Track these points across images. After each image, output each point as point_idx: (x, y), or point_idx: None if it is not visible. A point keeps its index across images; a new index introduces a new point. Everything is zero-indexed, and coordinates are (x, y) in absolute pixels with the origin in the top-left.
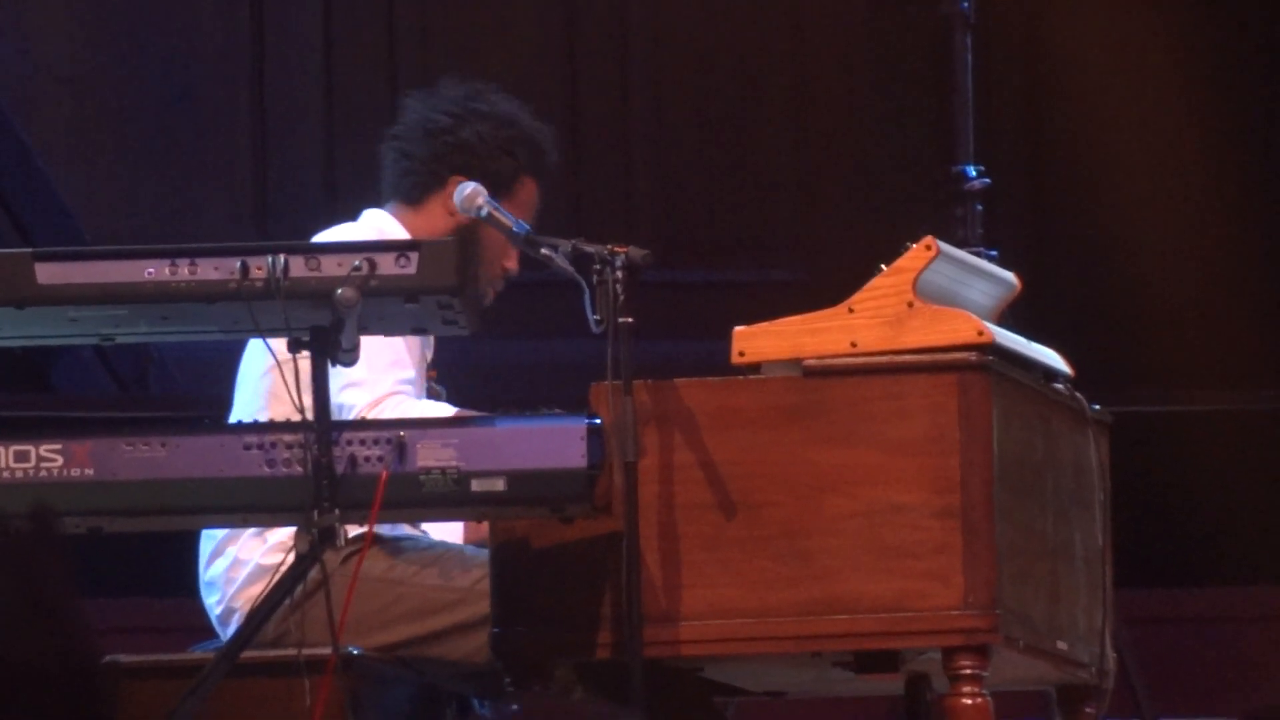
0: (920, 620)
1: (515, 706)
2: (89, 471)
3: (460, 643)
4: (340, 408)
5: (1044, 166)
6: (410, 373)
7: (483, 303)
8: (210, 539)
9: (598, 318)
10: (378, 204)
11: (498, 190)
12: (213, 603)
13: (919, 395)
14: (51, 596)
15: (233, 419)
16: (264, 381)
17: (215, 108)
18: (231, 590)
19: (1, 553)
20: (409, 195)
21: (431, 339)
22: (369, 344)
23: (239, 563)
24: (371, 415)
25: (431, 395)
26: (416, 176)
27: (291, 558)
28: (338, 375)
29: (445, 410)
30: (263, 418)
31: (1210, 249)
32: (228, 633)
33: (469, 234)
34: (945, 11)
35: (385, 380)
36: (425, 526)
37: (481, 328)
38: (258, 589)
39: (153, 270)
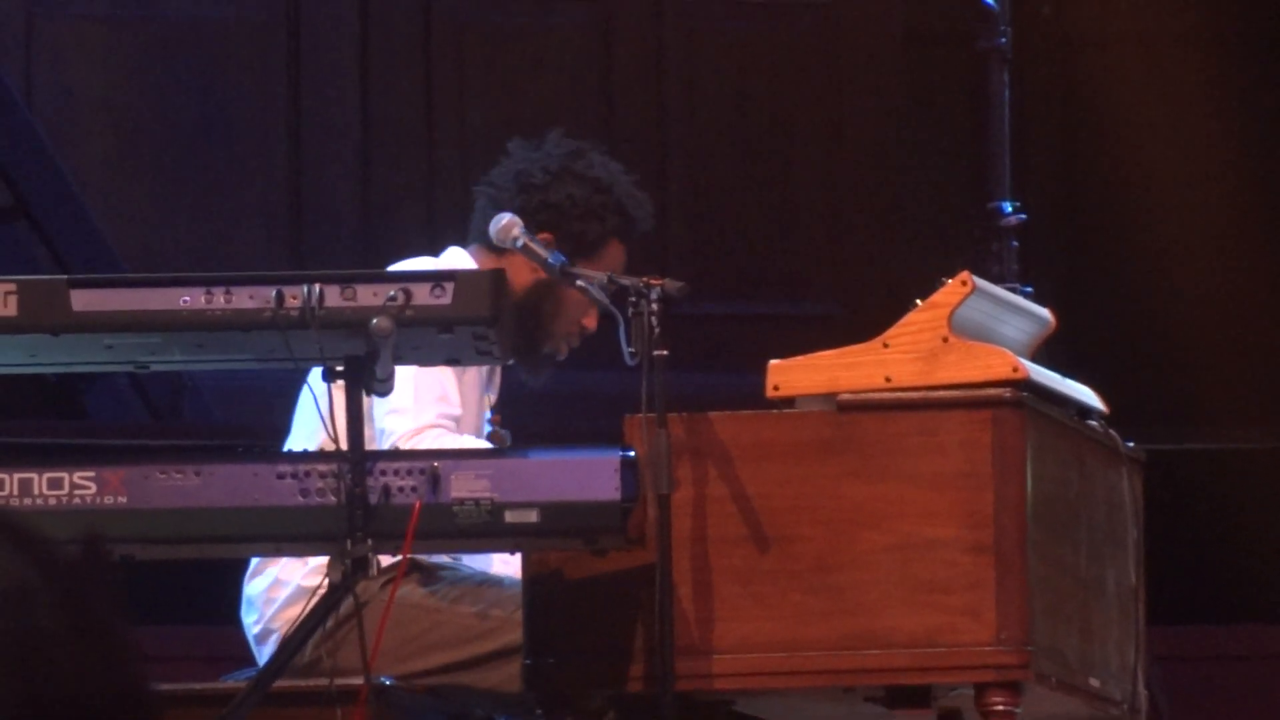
0: (952, 656)
1: None
2: (122, 499)
3: (493, 672)
4: (381, 433)
5: (1080, 203)
6: (455, 410)
7: (556, 358)
8: (252, 558)
9: (632, 350)
10: (461, 243)
11: (581, 252)
12: (250, 622)
13: (953, 431)
14: (103, 625)
15: (288, 445)
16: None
17: (251, 137)
18: (270, 611)
19: (52, 580)
20: (488, 245)
21: (496, 383)
22: (419, 375)
23: (279, 583)
24: (409, 445)
25: (494, 440)
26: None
27: (327, 584)
28: (383, 402)
29: (480, 445)
30: (315, 443)
31: (1246, 286)
32: (264, 652)
33: (548, 289)
34: (982, 47)
35: (429, 412)
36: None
37: (545, 379)
38: (296, 610)
39: (188, 299)
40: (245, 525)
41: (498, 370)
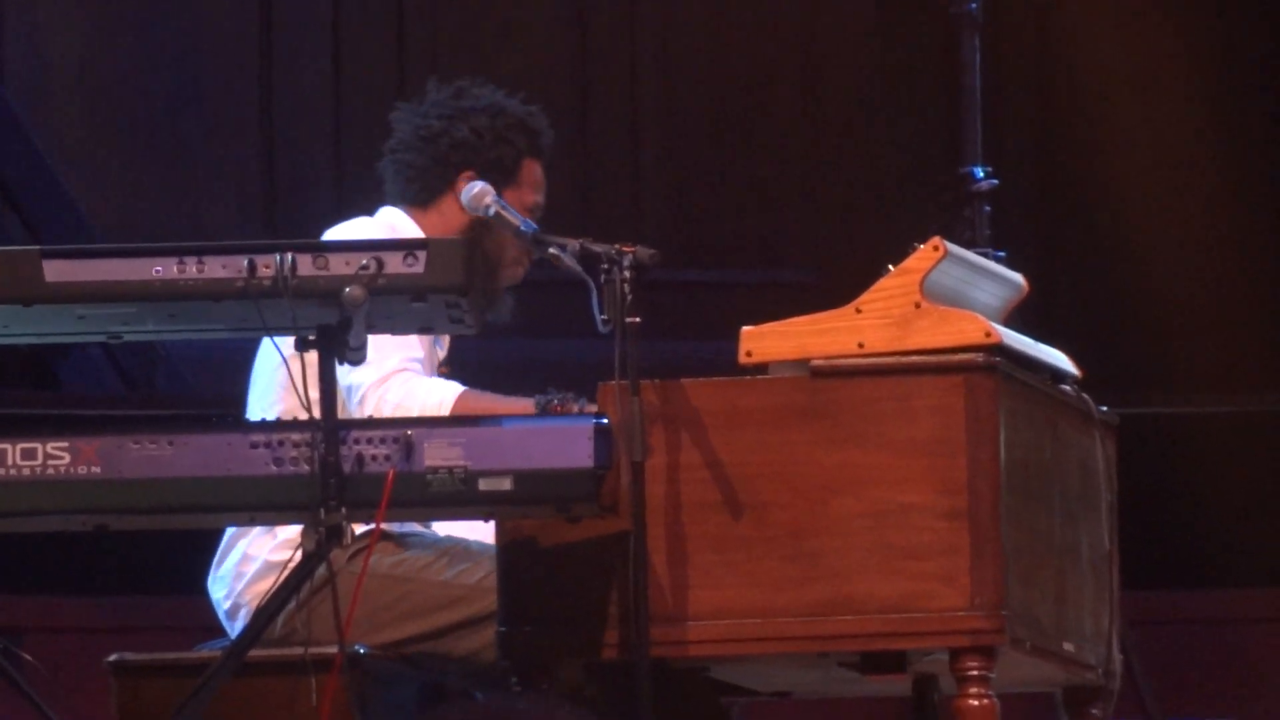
0: (927, 621)
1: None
2: (96, 469)
3: (467, 639)
4: (350, 388)
5: (1052, 168)
6: (418, 352)
7: (500, 300)
8: (223, 534)
9: (605, 317)
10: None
11: (503, 177)
12: (220, 597)
13: (926, 396)
14: None
15: (249, 414)
16: (278, 374)
17: (224, 106)
18: (239, 586)
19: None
20: (417, 199)
21: (445, 340)
22: None
23: (247, 558)
24: (379, 392)
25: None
26: (422, 182)
27: (299, 555)
28: None
29: (453, 388)
30: (276, 411)
31: (1218, 251)
32: (234, 627)
33: (480, 231)
34: (954, 13)
35: (393, 358)
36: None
37: (507, 315)
38: (265, 585)
39: (161, 268)
40: (219, 495)
41: None
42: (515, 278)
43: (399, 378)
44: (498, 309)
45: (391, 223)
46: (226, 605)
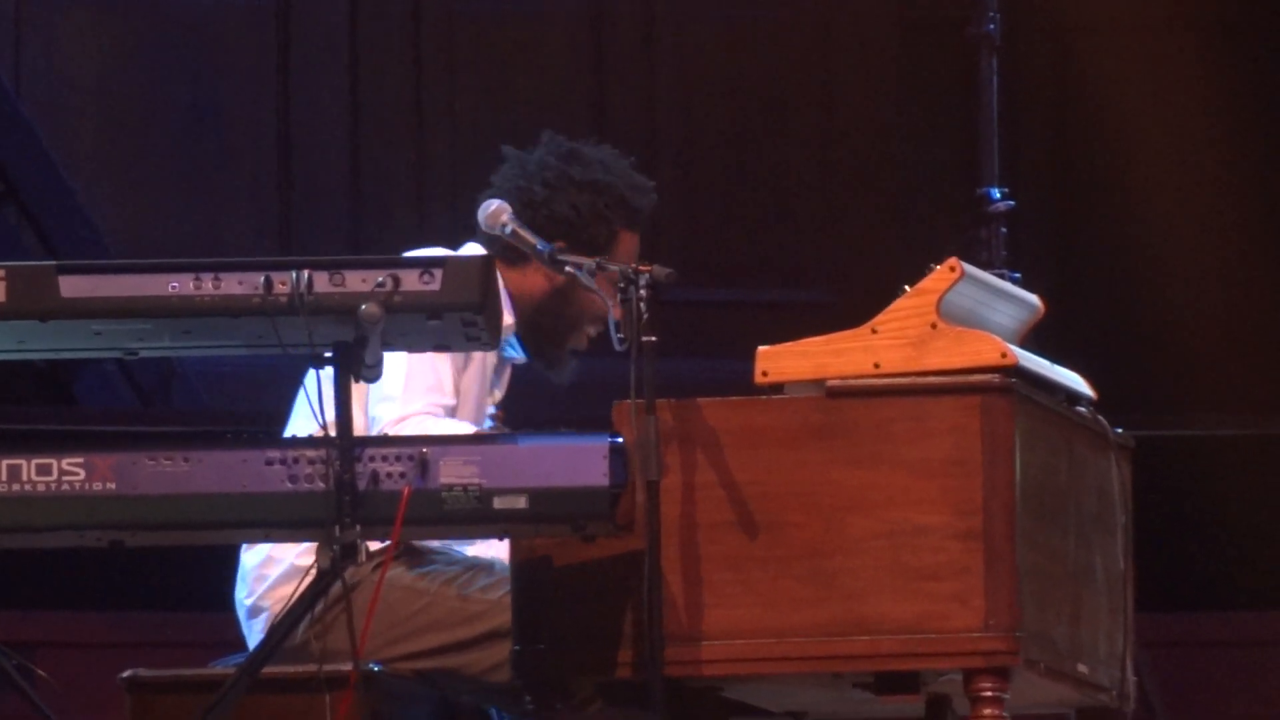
0: (941, 642)
1: None
2: (111, 485)
3: (482, 656)
4: (372, 420)
5: (1068, 189)
6: (448, 400)
7: (567, 362)
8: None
9: (621, 336)
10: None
11: (596, 252)
12: (242, 596)
13: (942, 417)
14: None
15: (287, 433)
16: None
17: (240, 123)
18: (261, 588)
19: None
20: (505, 256)
21: (505, 380)
22: (412, 363)
23: (272, 560)
24: (393, 430)
25: None
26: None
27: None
28: (376, 388)
29: (467, 429)
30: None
31: (1235, 272)
32: (253, 627)
33: (562, 297)
34: (972, 34)
35: (417, 401)
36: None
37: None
38: (288, 589)
39: (177, 284)
40: (234, 511)
41: (508, 368)
42: (580, 343)
43: (415, 420)
44: (560, 371)
45: None
46: (248, 604)
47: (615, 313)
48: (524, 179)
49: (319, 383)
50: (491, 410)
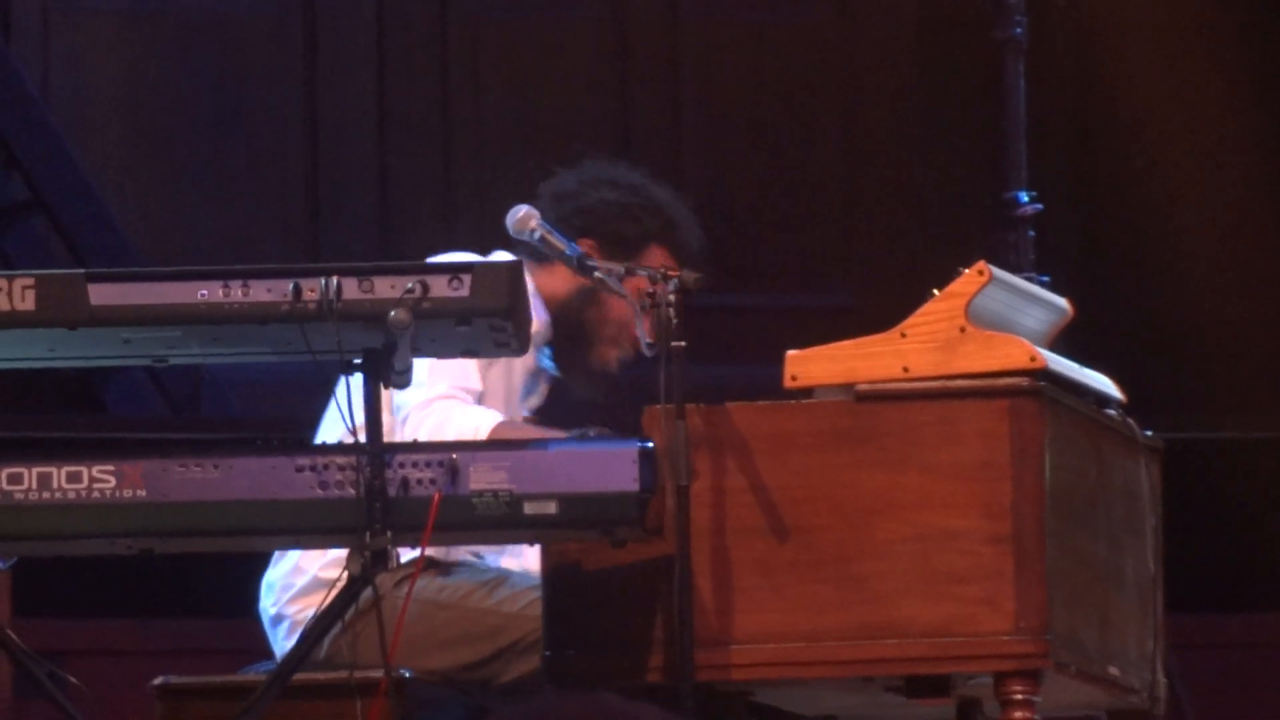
0: (971, 645)
1: None
2: (141, 493)
3: (511, 666)
4: (397, 408)
5: (1096, 192)
6: (474, 384)
7: (608, 370)
8: None
9: (650, 341)
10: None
11: (622, 254)
12: (267, 604)
13: (971, 421)
14: None
15: (318, 439)
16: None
17: (267, 130)
18: (286, 597)
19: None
20: (534, 254)
21: (542, 390)
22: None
23: (298, 570)
24: (420, 415)
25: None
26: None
27: (346, 576)
28: None
29: (491, 416)
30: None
31: (1263, 274)
32: (277, 635)
33: (590, 296)
34: (997, 37)
35: (441, 384)
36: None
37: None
38: (312, 600)
39: (205, 292)
40: (264, 518)
41: (545, 377)
42: (608, 360)
43: (443, 402)
44: (589, 387)
45: None
46: (272, 612)
47: (643, 321)
48: (562, 180)
49: (348, 389)
50: (524, 414)
